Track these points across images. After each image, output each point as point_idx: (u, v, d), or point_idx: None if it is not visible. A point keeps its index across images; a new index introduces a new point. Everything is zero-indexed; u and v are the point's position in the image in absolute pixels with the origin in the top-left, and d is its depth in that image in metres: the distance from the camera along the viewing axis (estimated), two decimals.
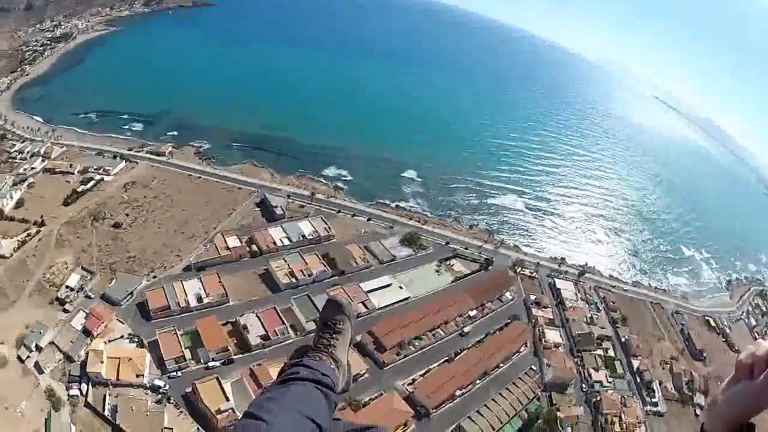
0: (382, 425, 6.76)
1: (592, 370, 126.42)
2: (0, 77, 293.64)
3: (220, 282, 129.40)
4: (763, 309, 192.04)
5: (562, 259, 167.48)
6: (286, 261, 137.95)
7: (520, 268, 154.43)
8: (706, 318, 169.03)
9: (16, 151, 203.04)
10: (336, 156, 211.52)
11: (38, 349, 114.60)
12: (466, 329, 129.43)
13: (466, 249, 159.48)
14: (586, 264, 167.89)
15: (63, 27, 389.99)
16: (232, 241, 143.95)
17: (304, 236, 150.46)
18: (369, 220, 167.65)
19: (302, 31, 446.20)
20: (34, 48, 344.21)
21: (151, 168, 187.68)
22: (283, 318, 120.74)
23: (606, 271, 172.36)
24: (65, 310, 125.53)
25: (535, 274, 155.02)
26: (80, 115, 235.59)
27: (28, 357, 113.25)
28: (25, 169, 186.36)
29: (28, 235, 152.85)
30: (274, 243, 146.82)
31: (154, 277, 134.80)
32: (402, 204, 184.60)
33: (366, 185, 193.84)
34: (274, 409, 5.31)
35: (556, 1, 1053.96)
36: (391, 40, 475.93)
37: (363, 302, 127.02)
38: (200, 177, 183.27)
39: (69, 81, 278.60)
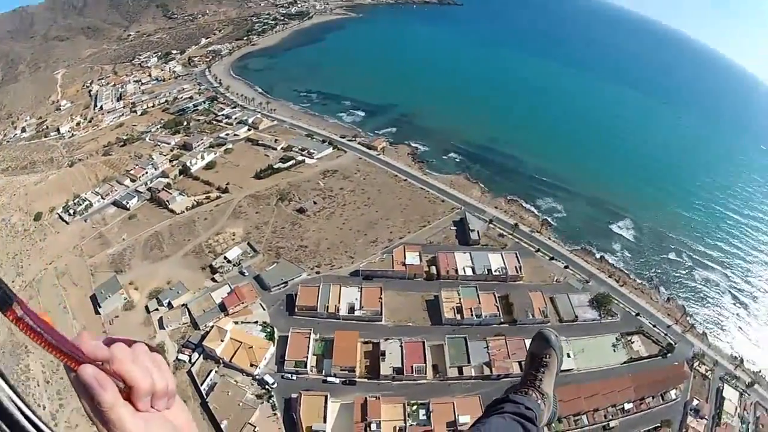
0: None
1: None
2: (222, 42, 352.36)
3: (380, 298, 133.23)
4: None
5: (741, 360, 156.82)
6: (459, 294, 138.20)
7: (698, 363, 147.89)
8: None
9: (223, 114, 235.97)
10: (556, 187, 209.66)
11: (170, 306, 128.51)
12: (612, 423, 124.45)
13: (654, 326, 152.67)
14: (759, 372, 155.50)
15: (299, 5, 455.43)
16: (411, 257, 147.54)
17: (489, 270, 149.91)
18: (566, 267, 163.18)
19: (554, 40, 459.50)
20: (265, 20, 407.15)
21: (358, 160, 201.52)
22: (428, 355, 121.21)
23: None
24: (213, 280, 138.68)
25: (709, 373, 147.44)
26: (301, 93, 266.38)
27: (156, 310, 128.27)
28: (227, 134, 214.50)
29: (207, 197, 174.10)
30: (456, 270, 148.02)
31: (317, 273, 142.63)
32: (607, 257, 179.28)
33: (577, 226, 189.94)
34: None
35: None
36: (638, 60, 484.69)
37: (520, 362, 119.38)
38: (406, 180, 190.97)
39: (299, 58, 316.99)
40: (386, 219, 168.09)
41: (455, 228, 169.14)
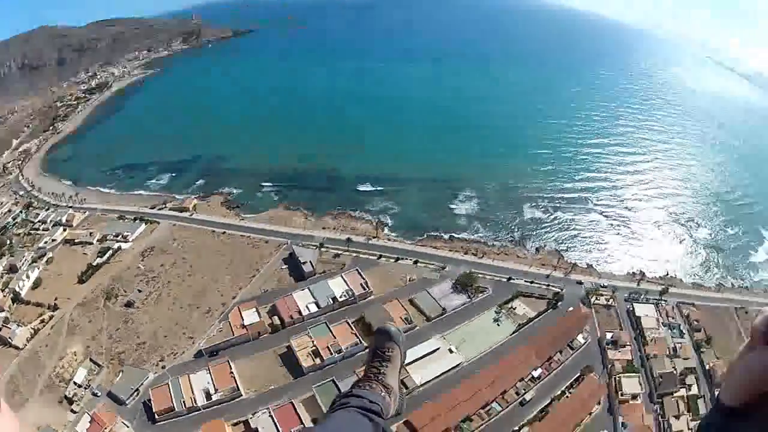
0: None
1: (673, 419, 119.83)
2: (30, 139, 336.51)
3: (231, 373, 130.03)
4: None
5: (642, 274, 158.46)
6: (310, 336, 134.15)
7: (594, 297, 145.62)
8: None
9: (39, 221, 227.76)
10: (383, 185, 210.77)
11: None
12: (527, 396, 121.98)
13: (532, 283, 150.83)
14: (667, 274, 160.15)
15: (99, 77, 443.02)
16: (249, 316, 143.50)
17: (335, 299, 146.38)
18: (416, 262, 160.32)
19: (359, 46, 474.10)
20: (68, 103, 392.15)
21: (172, 228, 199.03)
22: (302, 414, 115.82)
23: (688, 279, 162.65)
24: (73, 411, 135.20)
25: (611, 301, 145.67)
26: (107, 173, 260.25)
27: None
28: (45, 242, 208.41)
29: (42, 321, 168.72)
30: (299, 312, 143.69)
31: (163, 367, 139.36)
32: (457, 234, 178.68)
33: (415, 216, 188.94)
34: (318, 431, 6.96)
35: None
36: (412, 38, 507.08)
37: (401, 380, 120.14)
38: (224, 232, 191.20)
39: (100, 134, 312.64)
40: (214, 282, 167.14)
41: (286, 266, 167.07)
